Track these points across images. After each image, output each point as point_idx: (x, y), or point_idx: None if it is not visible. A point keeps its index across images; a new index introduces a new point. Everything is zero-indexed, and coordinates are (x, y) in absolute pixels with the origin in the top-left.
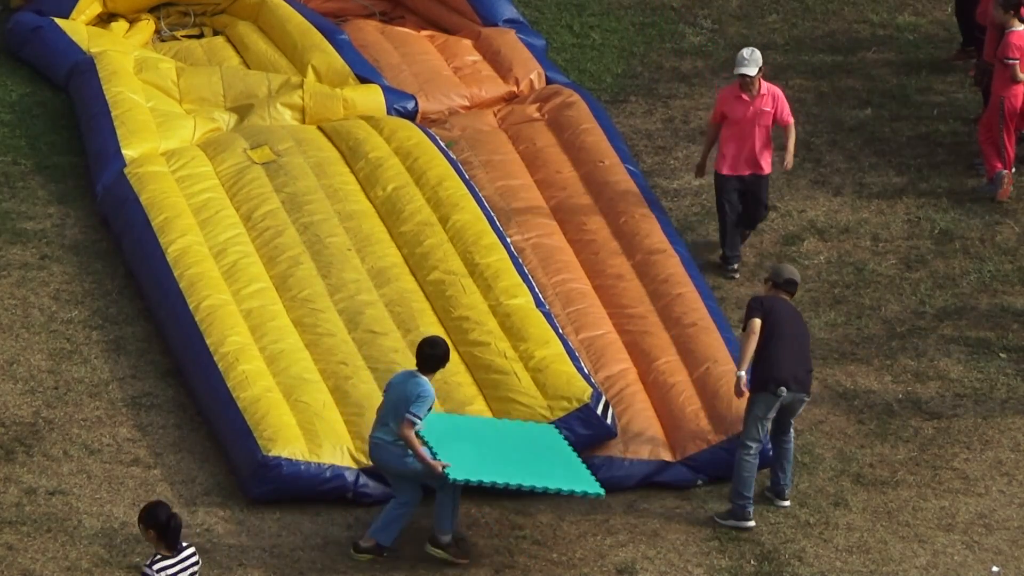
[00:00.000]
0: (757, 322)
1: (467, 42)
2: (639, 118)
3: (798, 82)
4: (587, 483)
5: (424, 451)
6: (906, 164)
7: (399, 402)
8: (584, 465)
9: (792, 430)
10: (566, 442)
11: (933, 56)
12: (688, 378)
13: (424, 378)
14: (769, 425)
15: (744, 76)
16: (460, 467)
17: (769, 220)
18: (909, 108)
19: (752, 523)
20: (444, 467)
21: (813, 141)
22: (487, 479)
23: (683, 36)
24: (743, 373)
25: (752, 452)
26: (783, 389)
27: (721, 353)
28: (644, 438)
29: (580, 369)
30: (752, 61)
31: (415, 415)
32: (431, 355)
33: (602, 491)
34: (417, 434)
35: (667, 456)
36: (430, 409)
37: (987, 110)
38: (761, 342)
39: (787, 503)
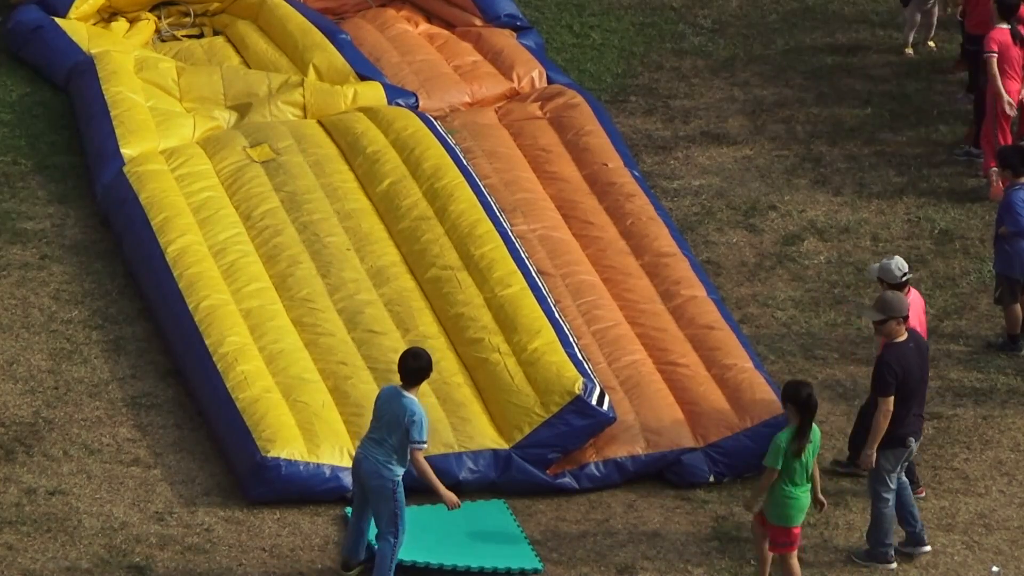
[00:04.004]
0: (891, 401)
1: (467, 43)
2: (639, 118)
3: (798, 82)
4: (525, 559)
5: (435, 478)
6: (906, 164)
7: (393, 422)
8: (526, 540)
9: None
10: (512, 517)
11: (933, 56)
12: (707, 372)
13: (410, 397)
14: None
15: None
16: (405, 548)
17: (769, 220)
18: (909, 108)
19: (894, 564)
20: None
21: (813, 141)
22: (423, 560)
23: (683, 36)
24: (873, 452)
25: (890, 504)
26: (911, 440)
27: (741, 355)
28: (663, 427)
29: (572, 356)
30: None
31: (420, 441)
32: (415, 368)
33: (540, 565)
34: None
35: (689, 443)
36: None
37: (986, 111)
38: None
39: (928, 548)
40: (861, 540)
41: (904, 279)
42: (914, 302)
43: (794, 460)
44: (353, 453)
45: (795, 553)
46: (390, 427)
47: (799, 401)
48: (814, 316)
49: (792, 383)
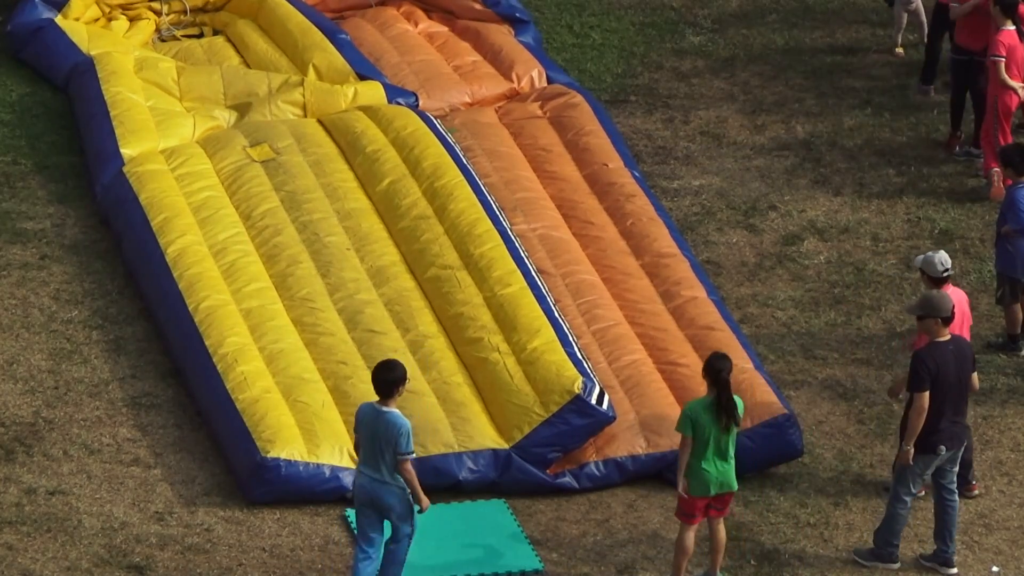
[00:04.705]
0: (926, 397)
1: (467, 43)
2: (639, 118)
3: (798, 82)
4: (525, 559)
5: (419, 485)
6: (906, 164)
7: (385, 441)
8: (526, 540)
9: (955, 481)
10: (512, 517)
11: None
12: None
13: (392, 411)
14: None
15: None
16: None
17: (769, 220)
18: (909, 108)
19: (898, 564)
20: None
21: (813, 141)
22: None
23: (683, 36)
24: (911, 448)
25: (907, 505)
26: (943, 448)
27: (741, 356)
28: (663, 427)
29: (572, 355)
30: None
31: (408, 453)
32: (390, 380)
33: (540, 565)
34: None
35: None
36: None
37: (985, 110)
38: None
39: (955, 570)
40: (861, 540)
41: (945, 275)
42: (957, 300)
43: (704, 430)
44: (352, 453)
45: (692, 528)
46: (384, 448)
47: (711, 373)
48: (814, 316)
49: (713, 355)
